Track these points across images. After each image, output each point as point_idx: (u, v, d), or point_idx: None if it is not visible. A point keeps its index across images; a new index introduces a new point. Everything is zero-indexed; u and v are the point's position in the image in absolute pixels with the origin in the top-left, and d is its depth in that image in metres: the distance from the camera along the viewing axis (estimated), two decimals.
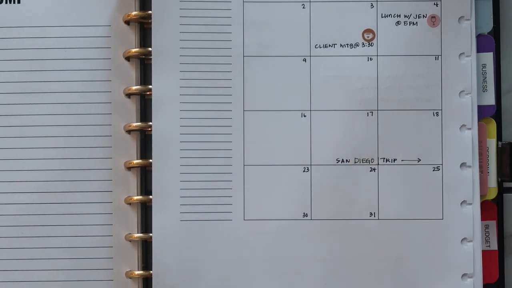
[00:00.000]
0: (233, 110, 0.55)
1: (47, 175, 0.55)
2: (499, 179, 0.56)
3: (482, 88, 0.55)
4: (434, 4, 0.55)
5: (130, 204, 0.56)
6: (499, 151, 0.56)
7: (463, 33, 0.55)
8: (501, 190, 0.56)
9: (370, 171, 0.55)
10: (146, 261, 0.56)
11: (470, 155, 0.54)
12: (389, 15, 0.55)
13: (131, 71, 0.56)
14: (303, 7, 0.55)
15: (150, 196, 0.55)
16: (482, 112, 0.55)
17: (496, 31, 0.56)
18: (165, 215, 0.54)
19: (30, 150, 0.56)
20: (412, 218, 0.54)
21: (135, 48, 0.56)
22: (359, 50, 0.55)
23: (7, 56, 0.56)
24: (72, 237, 0.55)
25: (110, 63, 0.56)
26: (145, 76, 0.57)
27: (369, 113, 0.55)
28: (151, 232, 0.55)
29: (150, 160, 0.55)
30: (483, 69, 0.55)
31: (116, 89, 0.56)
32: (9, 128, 0.56)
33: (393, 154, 0.55)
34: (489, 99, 0.55)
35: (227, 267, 0.54)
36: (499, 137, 0.56)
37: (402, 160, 0.55)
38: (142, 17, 0.56)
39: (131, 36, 0.56)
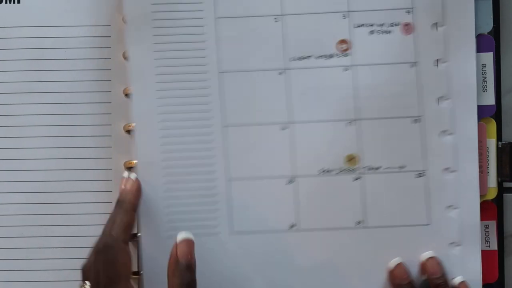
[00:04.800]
0: (212, 127, 0.54)
1: (47, 175, 0.56)
2: (499, 179, 0.55)
3: (482, 88, 0.55)
4: (406, 12, 0.54)
5: None
6: (499, 151, 0.55)
7: (438, 39, 0.54)
8: (501, 190, 0.56)
9: (355, 180, 0.55)
10: None
11: (453, 160, 0.54)
12: (362, 25, 0.54)
13: None
14: (276, 21, 0.54)
15: None
16: (482, 112, 0.55)
17: (496, 31, 0.55)
18: (151, 231, 0.54)
19: (29, 150, 0.56)
20: (399, 225, 0.54)
21: None
22: (334, 61, 0.54)
23: (7, 56, 0.56)
24: (72, 237, 0.56)
25: (110, 63, 0.56)
26: None
27: (348, 123, 0.54)
28: None
29: None
30: (483, 69, 0.55)
31: (116, 89, 0.56)
32: (9, 128, 0.56)
33: (377, 162, 0.54)
34: (489, 99, 0.55)
35: (216, 281, 0.54)
36: (499, 137, 0.56)
37: (386, 168, 0.54)
38: None
39: None
